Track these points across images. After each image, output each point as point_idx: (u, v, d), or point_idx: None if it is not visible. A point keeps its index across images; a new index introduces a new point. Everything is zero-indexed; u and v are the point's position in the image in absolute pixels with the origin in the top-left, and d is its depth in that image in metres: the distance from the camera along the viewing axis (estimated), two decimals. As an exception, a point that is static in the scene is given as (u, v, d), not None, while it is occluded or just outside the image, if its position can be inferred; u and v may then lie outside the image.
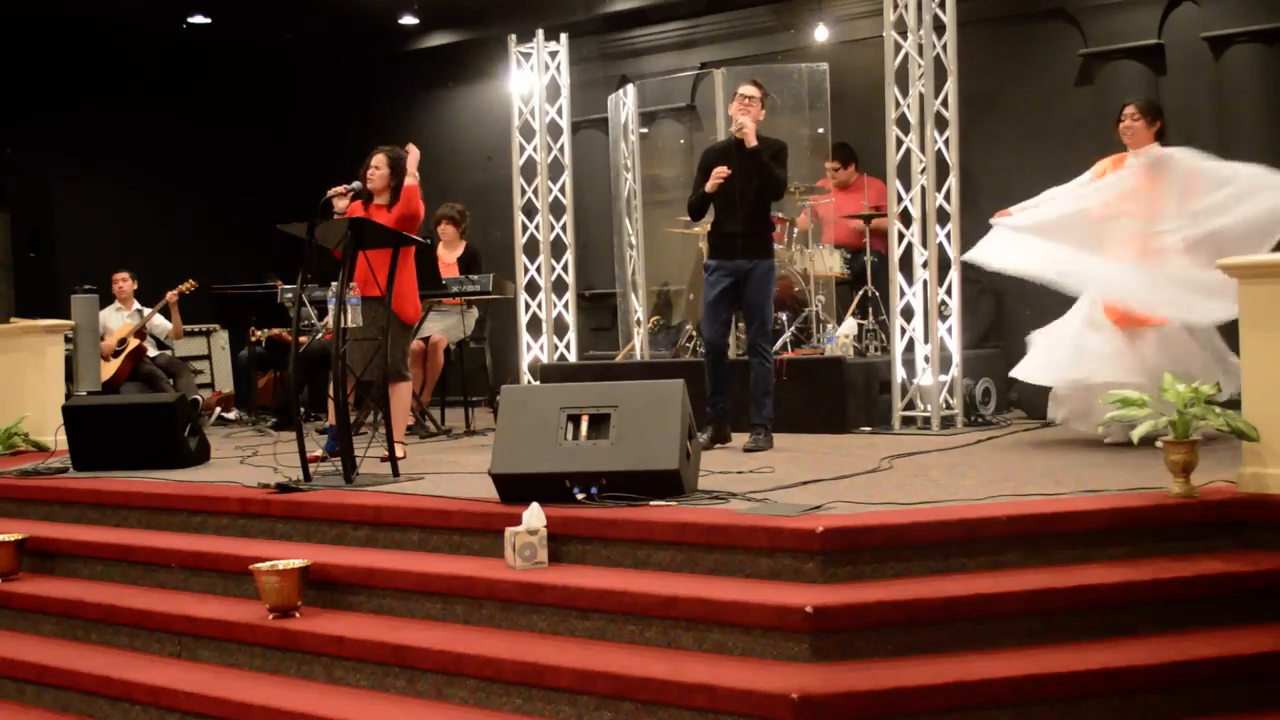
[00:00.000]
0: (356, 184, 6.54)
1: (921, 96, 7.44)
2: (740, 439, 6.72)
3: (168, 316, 9.90)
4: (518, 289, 9.24)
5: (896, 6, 7.54)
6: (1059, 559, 4.27)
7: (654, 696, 3.83)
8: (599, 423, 4.96)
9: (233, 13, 11.24)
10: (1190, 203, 6.06)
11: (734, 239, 6.67)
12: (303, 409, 6.86)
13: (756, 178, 6.57)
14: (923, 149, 7.45)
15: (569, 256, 9.53)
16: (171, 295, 9.79)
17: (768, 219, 6.79)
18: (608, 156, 10.33)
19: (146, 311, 9.92)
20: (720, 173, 6.54)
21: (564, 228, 9.51)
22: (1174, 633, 4.04)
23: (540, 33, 9.50)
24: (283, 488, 5.61)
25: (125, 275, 10.00)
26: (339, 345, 5.78)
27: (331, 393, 6.00)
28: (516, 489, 4.88)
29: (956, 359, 7.54)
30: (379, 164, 6.60)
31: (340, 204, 6.54)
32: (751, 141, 6.56)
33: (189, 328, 10.88)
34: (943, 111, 7.49)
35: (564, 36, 9.50)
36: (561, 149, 9.50)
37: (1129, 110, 6.34)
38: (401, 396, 6.53)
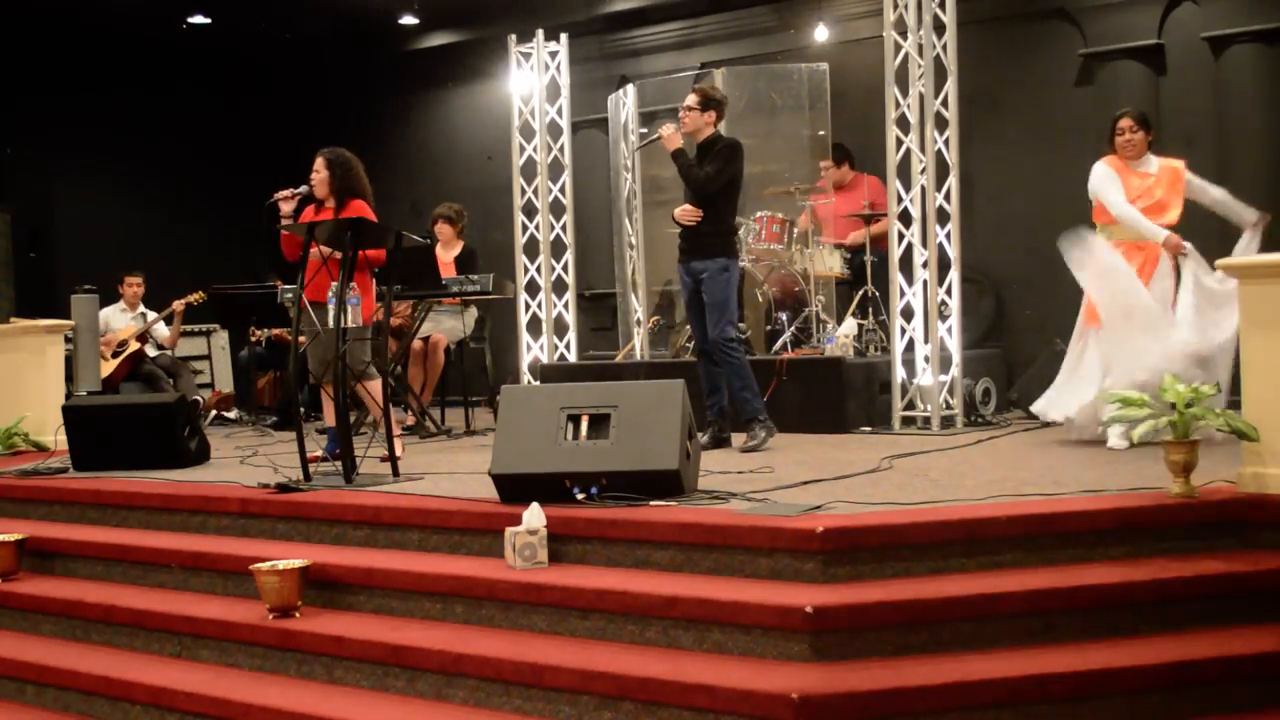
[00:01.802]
0: (304, 188, 6.56)
1: (921, 96, 7.44)
2: (740, 439, 6.72)
3: (170, 323, 9.92)
4: (518, 289, 9.24)
5: (896, 6, 7.54)
6: (1059, 559, 4.27)
7: (654, 696, 3.83)
8: (599, 423, 4.95)
9: (233, 13, 11.25)
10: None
11: (686, 241, 6.76)
12: (302, 409, 6.85)
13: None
14: (923, 149, 7.45)
15: (569, 256, 9.54)
16: (179, 305, 9.81)
17: (719, 219, 6.72)
18: (608, 156, 10.34)
19: (151, 316, 9.93)
20: (684, 216, 6.71)
21: (564, 228, 9.51)
22: (1174, 633, 4.04)
23: (540, 33, 9.50)
24: (283, 488, 5.60)
25: (138, 279, 10.01)
26: (339, 345, 5.78)
27: (331, 393, 6.00)
28: (516, 489, 4.88)
29: (956, 359, 7.54)
30: (318, 167, 6.62)
31: (286, 208, 6.54)
32: (670, 147, 6.69)
33: (189, 327, 10.89)
34: (943, 111, 7.49)
35: (564, 36, 9.50)
36: (561, 149, 9.50)
37: (1126, 123, 6.33)
38: (374, 391, 6.45)
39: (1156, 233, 6.21)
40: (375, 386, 6.48)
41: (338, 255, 6.08)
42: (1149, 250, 6.26)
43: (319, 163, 6.63)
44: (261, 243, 5.94)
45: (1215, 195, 6.39)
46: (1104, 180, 6.34)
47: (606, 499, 4.77)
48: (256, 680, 4.61)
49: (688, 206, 6.70)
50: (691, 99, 6.75)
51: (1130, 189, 6.29)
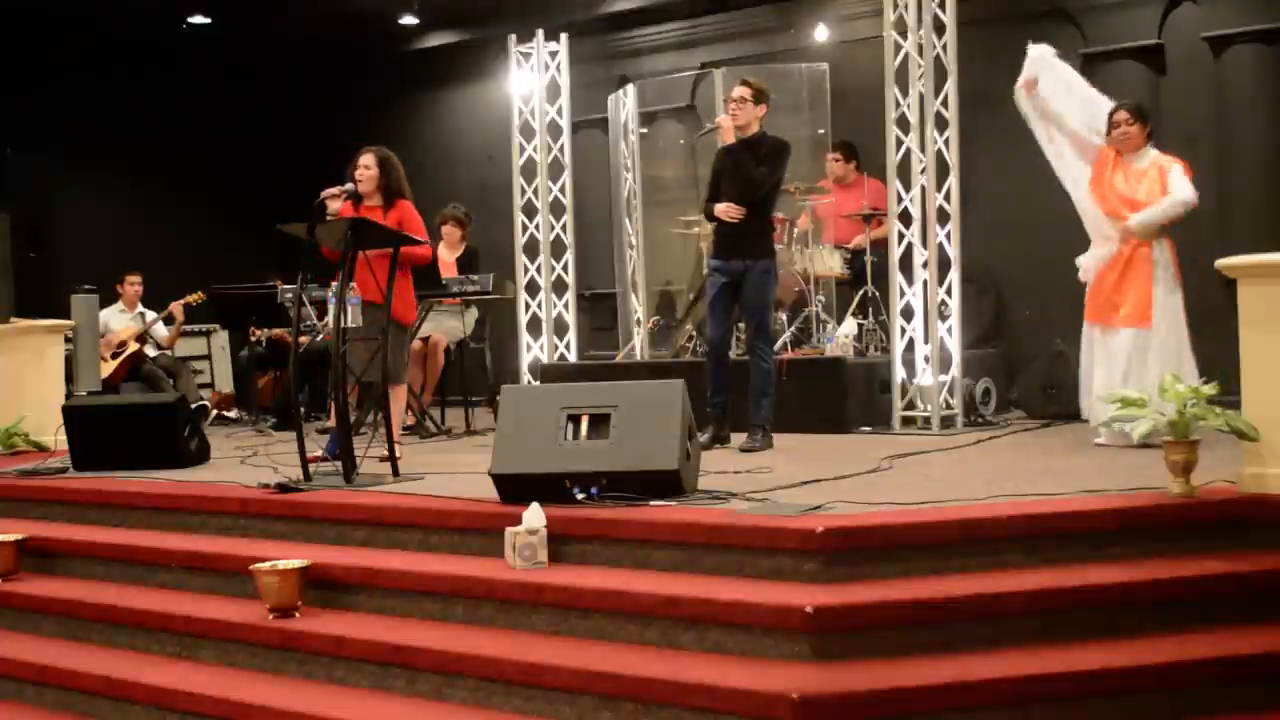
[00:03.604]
0: (350, 185, 6.51)
1: (921, 96, 7.44)
2: (741, 439, 6.72)
3: (169, 324, 9.92)
4: (518, 289, 9.24)
5: (896, 6, 7.54)
6: (1059, 559, 4.27)
7: (654, 696, 3.83)
8: (599, 423, 4.95)
9: (233, 12, 11.25)
10: None
11: (729, 239, 6.70)
12: (302, 409, 6.86)
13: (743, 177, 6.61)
14: (923, 149, 7.45)
15: (569, 256, 9.53)
16: (176, 306, 9.81)
17: (765, 219, 6.77)
18: (608, 156, 10.34)
19: (150, 316, 9.93)
20: (727, 212, 6.60)
21: (564, 228, 9.51)
22: (1174, 633, 4.04)
23: (540, 33, 9.50)
24: (283, 488, 5.60)
25: (138, 278, 10.02)
26: (339, 345, 5.77)
27: (331, 393, 6.00)
28: (516, 489, 4.88)
29: (956, 359, 7.54)
30: (369, 164, 6.55)
31: (334, 205, 6.52)
32: (728, 140, 6.65)
33: (189, 327, 10.88)
34: (943, 111, 7.49)
35: (564, 36, 9.50)
36: (561, 149, 9.50)
37: (1121, 116, 6.28)
38: (398, 397, 6.52)
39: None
40: (400, 392, 6.52)
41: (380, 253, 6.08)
42: (1134, 246, 6.22)
43: (368, 159, 6.56)
44: (304, 241, 5.93)
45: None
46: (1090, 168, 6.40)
47: (606, 499, 4.77)
48: (256, 680, 4.60)
49: (732, 205, 6.62)
50: (745, 91, 6.66)
51: (1115, 182, 6.27)
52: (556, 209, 9.47)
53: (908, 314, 7.56)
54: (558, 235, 9.49)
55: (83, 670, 4.87)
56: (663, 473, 4.79)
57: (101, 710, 4.77)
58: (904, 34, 7.50)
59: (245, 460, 7.01)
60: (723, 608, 4.03)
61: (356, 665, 4.46)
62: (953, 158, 7.51)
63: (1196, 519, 4.44)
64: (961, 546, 4.24)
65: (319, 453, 6.31)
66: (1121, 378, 6.01)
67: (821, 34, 9.96)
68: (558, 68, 9.47)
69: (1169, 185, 6.17)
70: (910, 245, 7.53)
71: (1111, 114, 6.33)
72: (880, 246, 8.30)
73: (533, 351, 9.40)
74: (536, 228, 9.38)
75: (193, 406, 8.00)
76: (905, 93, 7.50)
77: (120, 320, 9.89)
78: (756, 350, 6.70)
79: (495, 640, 4.32)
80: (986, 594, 4.03)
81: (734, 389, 6.82)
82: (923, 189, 7.46)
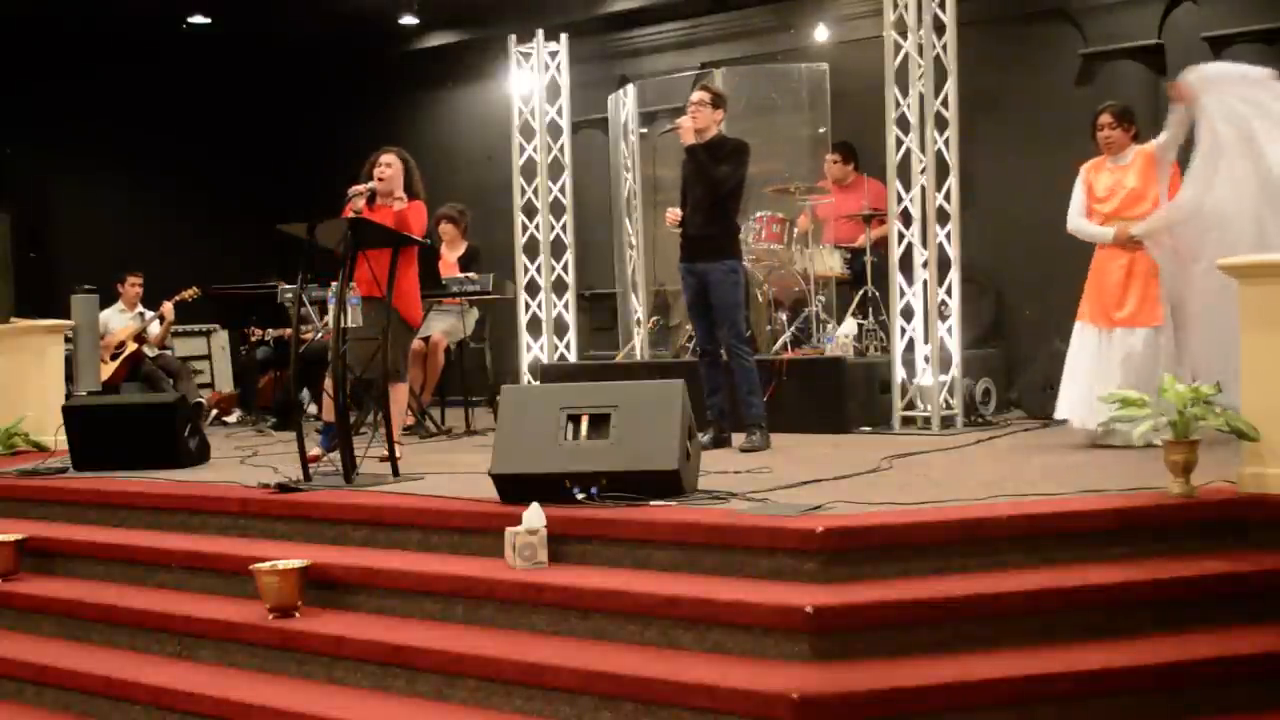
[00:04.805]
0: (373, 184, 6.53)
1: (921, 96, 7.44)
2: (740, 439, 6.73)
3: (161, 322, 9.93)
4: (518, 289, 9.24)
5: (896, 6, 7.54)
6: (1059, 559, 4.27)
7: (654, 696, 3.83)
8: (599, 423, 4.95)
9: (233, 12, 11.24)
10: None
11: (692, 242, 6.75)
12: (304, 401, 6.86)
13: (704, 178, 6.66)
14: (923, 149, 7.45)
15: (569, 256, 9.53)
16: (167, 306, 9.80)
17: (727, 220, 6.75)
18: (608, 156, 10.34)
19: (148, 315, 9.93)
20: (672, 218, 6.82)
21: (564, 228, 9.51)
22: (1174, 633, 4.04)
23: (540, 33, 9.50)
24: (283, 488, 5.60)
25: (139, 279, 10.03)
26: (339, 345, 5.77)
27: (330, 392, 6.00)
28: (516, 489, 4.88)
29: (956, 359, 7.54)
30: (389, 162, 6.58)
31: (359, 203, 6.55)
32: (687, 140, 6.70)
33: (190, 328, 10.88)
34: (943, 111, 7.49)
35: (564, 36, 9.50)
36: (561, 149, 9.50)
37: (1105, 120, 6.29)
38: (399, 397, 6.53)
39: (1103, 234, 6.25)
40: (402, 390, 6.52)
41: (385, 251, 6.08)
42: (1135, 249, 6.23)
43: (389, 158, 6.60)
44: (304, 241, 5.96)
45: (1173, 129, 6.12)
46: (1075, 190, 6.41)
47: (606, 499, 4.77)
48: (256, 680, 4.61)
49: (674, 210, 6.80)
50: (702, 95, 6.72)
51: (1101, 188, 6.29)
52: (556, 209, 9.47)
53: (908, 314, 7.57)
54: (558, 235, 9.49)
55: (83, 670, 4.87)
56: (663, 473, 4.79)
57: (101, 710, 4.78)
58: (904, 34, 7.50)
59: (245, 460, 7.01)
60: (723, 608, 4.03)
61: (356, 665, 4.47)
62: (953, 158, 7.51)
63: (1196, 519, 4.44)
64: (961, 546, 4.24)
65: (318, 452, 6.31)
66: (1135, 379, 5.94)
67: (821, 34, 9.96)
68: (558, 68, 9.48)
69: (1166, 139, 6.16)
70: (910, 245, 7.53)
71: (1096, 115, 6.34)
72: (880, 247, 8.31)
73: (533, 351, 9.40)
74: (536, 228, 9.38)
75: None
76: (905, 93, 7.50)
77: (120, 320, 9.89)
78: (734, 351, 6.70)
79: (495, 640, 4.32)
80: (986, 594, 4.03)
81: (729, 389, 6.82)
82: (923, 189, 7.46)
